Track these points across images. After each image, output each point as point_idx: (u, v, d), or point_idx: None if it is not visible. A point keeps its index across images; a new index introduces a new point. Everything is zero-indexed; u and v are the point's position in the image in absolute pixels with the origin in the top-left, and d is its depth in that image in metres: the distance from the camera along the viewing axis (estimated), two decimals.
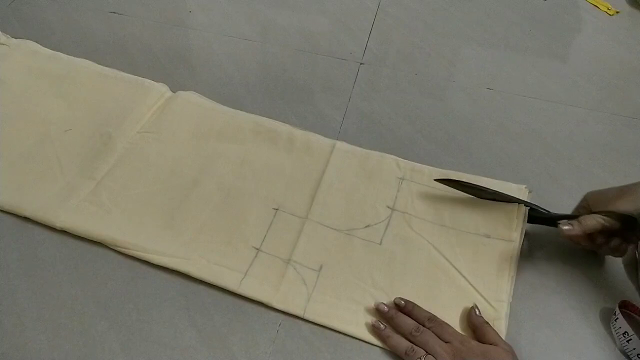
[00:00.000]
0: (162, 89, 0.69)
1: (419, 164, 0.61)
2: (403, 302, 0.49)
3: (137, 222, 0.55)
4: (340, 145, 0.63)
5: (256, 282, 0.51)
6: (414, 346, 0.46)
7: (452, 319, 0.49)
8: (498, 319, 0.48)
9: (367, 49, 0.79)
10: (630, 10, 0.89)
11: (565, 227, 0.49)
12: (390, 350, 0.47)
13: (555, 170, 0.62)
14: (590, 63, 0.78)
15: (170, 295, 0.51)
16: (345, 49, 0.78)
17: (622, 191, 0.48)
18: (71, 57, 0.73)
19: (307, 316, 0.49)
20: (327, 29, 0.82)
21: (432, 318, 0.48)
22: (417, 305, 0.49)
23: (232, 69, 0.75)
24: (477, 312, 0.48)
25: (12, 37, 0.76)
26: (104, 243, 0.54)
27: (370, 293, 0.51)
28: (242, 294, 0.50)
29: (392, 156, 0.62)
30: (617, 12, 0.88)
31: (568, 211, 0.54)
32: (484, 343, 0.45)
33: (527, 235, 0.55)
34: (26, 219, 0.56)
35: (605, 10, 0.89)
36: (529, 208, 0.55)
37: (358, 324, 0.49)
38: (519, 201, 0.55)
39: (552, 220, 0.53)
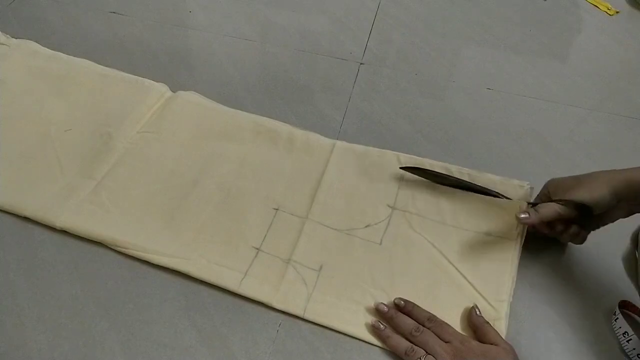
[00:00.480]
0: (162, 89, 0.69)
1: (419, 158, 0.61)
2: (403, 302, 0.49)
3: (137, 222, 0.55)
4: (341, 144, 0.63)
5: (256, 282, 0.51)
6: (414, 346, 0.46)
7: (452, 318, 0.49)
8: (498, 319, 0.48)
9: (367, 49, 0.79)
10: (630, 10, 0.89)
11: (522, 216, 0.50)
12: (390, 351, 0.47)
13: (555, 170, 0.62)
14: (590, 63, 0.78)
15: (170, 295, 0.51)
16: (345, 49, 0.78)
17: (579, 181, 0.49)
18: (71, 57, 0.73)
19: (307, 316, 0.49)
20: (327, 29, 0.82)
21: (432, 318, 0.48)
22: (417, 305, 0.49)
23: (232, 69, 0.75)
24: (478, 312, 0.48)
25: (12, 37, 0.76)
26: (104, 243, 0.54)
27: (370, 293, 0.51)
28: (242, 294, 0.50)
29: (393, 151, 0.62)
30: (617, 12, 0.88)
31: None
32: (484, 343, 0.45)
33: (528, 235, 0.55)
34: (26, 219, 0.56)
35: (605, 10, 0.89)
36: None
37: (358, 324, 0.49)
38: (479, 189, 0.56)
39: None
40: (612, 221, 0.50)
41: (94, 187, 0.58)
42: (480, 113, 0.70)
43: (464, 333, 0.47)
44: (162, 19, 0.83)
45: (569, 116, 0.70)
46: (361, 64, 0.76)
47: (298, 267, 0.52)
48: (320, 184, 0.59)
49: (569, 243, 0.55)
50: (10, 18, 0.81)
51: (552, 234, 0.53)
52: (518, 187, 0.58)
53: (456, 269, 0.52)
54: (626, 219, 0.50)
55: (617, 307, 0.49)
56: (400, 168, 0.60)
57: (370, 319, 0.49)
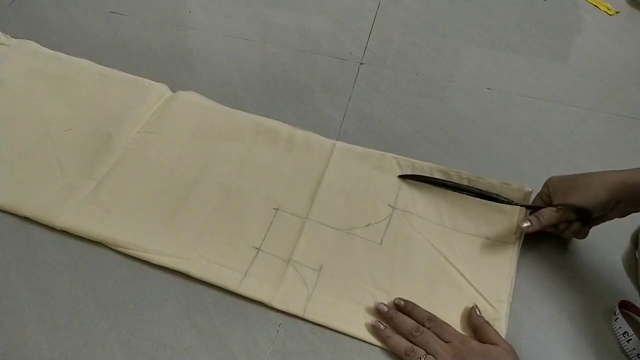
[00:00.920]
0: (162, 89, 0.69)
1: (419, 162, 0.61)
2: (403, 302, 0.49)
3: (137, 222, 0.55)
4: (341, 145, 0.63)
5: (256, 282, 0.51)
6: (414, 346, 0.46)
7: (452, 318, 0.49)
8: (498, 319, 0.49)
9: (367, 49, 0.79)
10: (630, 10, 0.89)
11: (525, 225, 0.51)
12: (390, 350, 0.47)
13: (555, 170, 0.62)
14: (590, 63, 0.78)
15: (170, 295, 0.51)
16: (345, 49, 0.78)
17: (577, 183, 0.50)
18: (71, 57, 0.73)
19: (307, 316, 0.49)
20: (327, 29, 0.82)
21: (432, 318, 0.48)
22: (417, 306, 0.49)
23: (232, 69, 0.75)
24: (478, 312, 0.48)
25: (12, 37, 0.76)
26: (104, 243, 0.54)
27: (370, 293, 0.51)
28: (242, 294, 0.50)
29: (393, 155, 0.62)
30: (617, 12, 0.88)
31: None
32: (484, 343, 0.45)
33: (527, 235, 0.55)
34: (26, 219, 0.56)
35: (605, 10, 0.89)
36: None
37: (358, 323, 0.49)
38: (480, 192, 0.56)
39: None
40: (610, 219, 0.51)
41: (94, 187, 0.58)
42: (480, 113, 0.70)
43: (464, 333, 0.47)
44: (162, 19, 0.83)
45: (569, 116, 0.70)
46: (361, 64, 0.76)
47: (298, 267, 0.52)
48: (320, 184, 0.59)
49: (569, 243, 0.55)
50: (10, 18, 0.81)
51: (555, 232, 0.53)
52: (517, 190, 0.58)
53: (456, 269, 0.52)
54: (626, 218, 0.51)
55: (617, 307, 0.49)
56: (399, 176, 0.60)
57: (371, 318, 0.49)
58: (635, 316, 0.49)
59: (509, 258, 0.53)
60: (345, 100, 0.71)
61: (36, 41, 0.75)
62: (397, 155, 0.62)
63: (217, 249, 0.53)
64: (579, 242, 0.55)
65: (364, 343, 0.48)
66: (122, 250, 0.53)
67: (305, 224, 0.56)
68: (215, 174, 0.60)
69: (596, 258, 0.54)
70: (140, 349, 0.47)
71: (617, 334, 0.48)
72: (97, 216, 0.56)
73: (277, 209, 0.57)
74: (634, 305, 0.49)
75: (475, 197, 0.56)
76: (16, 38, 0.76)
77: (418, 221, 0.56)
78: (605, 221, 0.51)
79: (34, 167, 0.60)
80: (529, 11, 0.88)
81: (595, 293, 0.52)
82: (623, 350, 0.47)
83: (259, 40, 0.80)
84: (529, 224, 0.51)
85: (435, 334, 0.46)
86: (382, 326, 0.48)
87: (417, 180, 0.59)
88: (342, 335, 0.48)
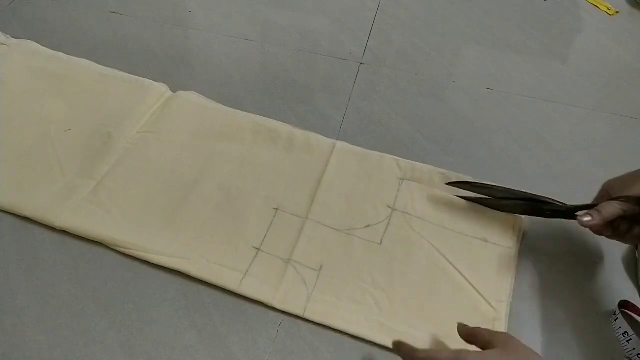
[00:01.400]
0: (162, 89, 0.69)
1: (419, 164, 0.61)
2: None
3: (137, 222, 0.55)
4: (341, 145, 0.63)
5: (256, 282, 0.51)
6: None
7: (452, 319, 0.48)
8: (498, 319, 0.49)
9: (367, 49, 0.79)
10: (630, 10, 0.89)
11: (585, 219, 0.47)
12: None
13: (555, 170, 0.62)
14: (590, 63, 0.78)
15: (170, 295, 0.51)
16: (345, 49, 0.78)
17: (637, 175, 0.48)
18: (71, 57, 0.73)
19: (307, 316, 0.49)
20: (327, 29, 0.82)
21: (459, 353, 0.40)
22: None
23: (232, 69, 0.75)
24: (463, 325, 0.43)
25: (12, 37, 0.76)
26: (104, 243, 0.54)
27: (371, 293, 0.51)
28: (242, 294, 0.50)
29: (392, 156, 0.62)
30: (617, 12, 0.88)
31: None
32: (482, 349, 0.40)
33: (527, 235, 0.55)
34: (26, 219, 0.56)
35: (605, 10, 0.89)
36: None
37: (358, 323, 0.49)
38: (532, 197, 0.54)
39: (569, 212, 0.51)
40: None
41: (94, 187, 0.58)
42: (480, 113, 0.70)
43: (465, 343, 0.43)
44: (162, 19, 0.83)
45: (569, 116, 0.70)
46: (361, 64, 0.76)
47: (298, 267, 0.52)
48: (320, 184, 0.59)
49: (569, 242, 0.55)
50: (10, 18, 0.81)
51: (614, 236, 0.49)
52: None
53: (456, 269, 0.52)
54: None
55: (617, 307, 0.49)
56: (446, 184, 0.58)
57: (370, 318, 0.49)
58: (635, 316, 0.49)
59: (508, 258, 0.53)
60: (345, 100, 0.71)
61: (36, 41, 0.75)
62: (397, 157, 0.62)
63: (217, 249, 0.53)
64: (578, 242, 0.55)
65: (364, 343, 0.48)
66: (122, 250, 0.53)
67: (305, 224, 0.56)
68: (215, 174, 0.60)
69: (596, 258, 0.54)
70: (140, 348, 0.47)
71: (617, 334, 0.48)
72: (97, 216, 0.56)
73: (277, 209, 0.57)
74: (634, 305, 0.49)
75: (525, 202, 0.54)
76: (16, 38, 0.76)
77: (418, 222, 0.56)
78: None
79: (34, 167, 0.60)
80: (529, 11, 0.88)
81: (595, 293, 0.52)
82: (623, 350, 0.47)
83: (259, 40, 0.80)
84: (590, 218, 0.46)
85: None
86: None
87: (464, 189, 0.57)
88: (342, 335, 0.48)
